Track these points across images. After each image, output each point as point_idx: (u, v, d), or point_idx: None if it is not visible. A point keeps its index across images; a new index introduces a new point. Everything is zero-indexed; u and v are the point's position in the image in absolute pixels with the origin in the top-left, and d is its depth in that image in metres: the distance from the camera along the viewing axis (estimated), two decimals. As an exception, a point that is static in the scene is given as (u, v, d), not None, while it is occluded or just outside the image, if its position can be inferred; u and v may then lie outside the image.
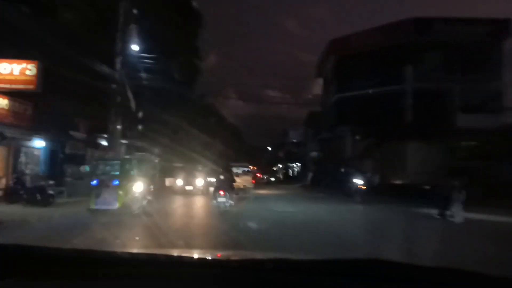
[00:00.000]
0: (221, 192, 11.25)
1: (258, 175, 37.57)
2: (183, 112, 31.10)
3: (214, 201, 11.41)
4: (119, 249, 1.87)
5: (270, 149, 78.91)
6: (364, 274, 1.31)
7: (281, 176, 49.59)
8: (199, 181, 21.55)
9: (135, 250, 2.19)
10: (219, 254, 1.96)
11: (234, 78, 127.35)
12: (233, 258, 1.74)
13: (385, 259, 1.35)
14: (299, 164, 42.20)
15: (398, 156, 21.97)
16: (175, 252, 1.95)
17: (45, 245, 1.47)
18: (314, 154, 34.63)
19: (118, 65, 15.97)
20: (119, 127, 16.30)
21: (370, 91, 23.81)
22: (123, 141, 20.94)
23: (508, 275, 1.24)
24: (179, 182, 21.80)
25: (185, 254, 1.86)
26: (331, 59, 28.55)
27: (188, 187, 21.21)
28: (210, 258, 1.65)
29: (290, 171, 46.96)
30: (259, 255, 1.82)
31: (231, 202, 11.52)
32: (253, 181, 22.18)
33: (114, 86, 15.71)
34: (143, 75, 17.67)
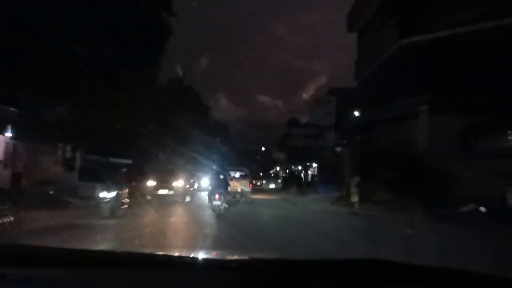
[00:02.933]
0: (216, 196, 11.90)
1: None
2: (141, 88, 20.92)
3: (209, 204, 12.25)
4: None
5: (263, 149, 67.54)
6: (364, 274, 1.29)
7: (280, 182, 37.79)
8: None
9: (134, 251, 1.91)
10: (223, 255, 1.88)
11: (225, 81, 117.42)
12: (232, 258, 1.72)
13: (385, 259, 1.29)
14: (315, 165, 30.11)
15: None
16: (175, 253, 1.87)
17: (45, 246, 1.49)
18: (338, 148, 23.28)
19: None
20: None
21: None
22: None
23: (508, 275, 1.18)
24: None
25: (184, 254, 1.78)
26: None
27: None
28: (209, 258, 1.62)
29: (302, 175, 34.40)
30: (258, 255, 1.77)
31: (225, 205, 12.21)
32: (251, 185, 21.03)
33: None
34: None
